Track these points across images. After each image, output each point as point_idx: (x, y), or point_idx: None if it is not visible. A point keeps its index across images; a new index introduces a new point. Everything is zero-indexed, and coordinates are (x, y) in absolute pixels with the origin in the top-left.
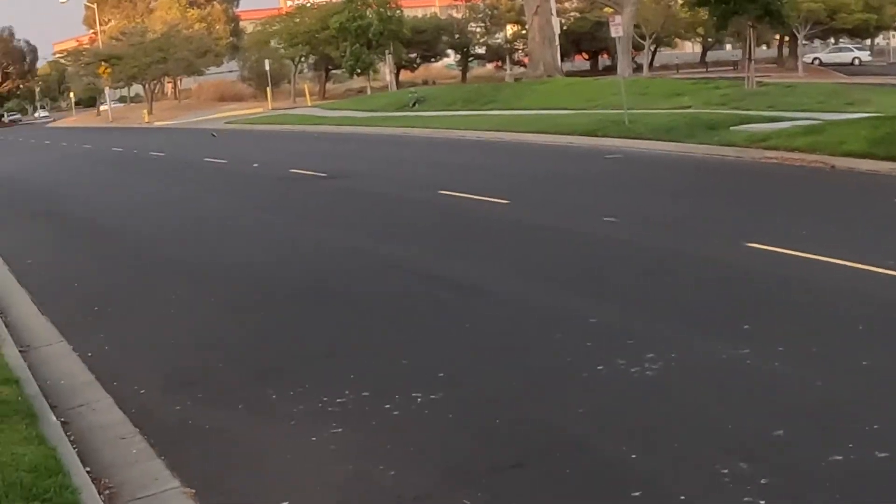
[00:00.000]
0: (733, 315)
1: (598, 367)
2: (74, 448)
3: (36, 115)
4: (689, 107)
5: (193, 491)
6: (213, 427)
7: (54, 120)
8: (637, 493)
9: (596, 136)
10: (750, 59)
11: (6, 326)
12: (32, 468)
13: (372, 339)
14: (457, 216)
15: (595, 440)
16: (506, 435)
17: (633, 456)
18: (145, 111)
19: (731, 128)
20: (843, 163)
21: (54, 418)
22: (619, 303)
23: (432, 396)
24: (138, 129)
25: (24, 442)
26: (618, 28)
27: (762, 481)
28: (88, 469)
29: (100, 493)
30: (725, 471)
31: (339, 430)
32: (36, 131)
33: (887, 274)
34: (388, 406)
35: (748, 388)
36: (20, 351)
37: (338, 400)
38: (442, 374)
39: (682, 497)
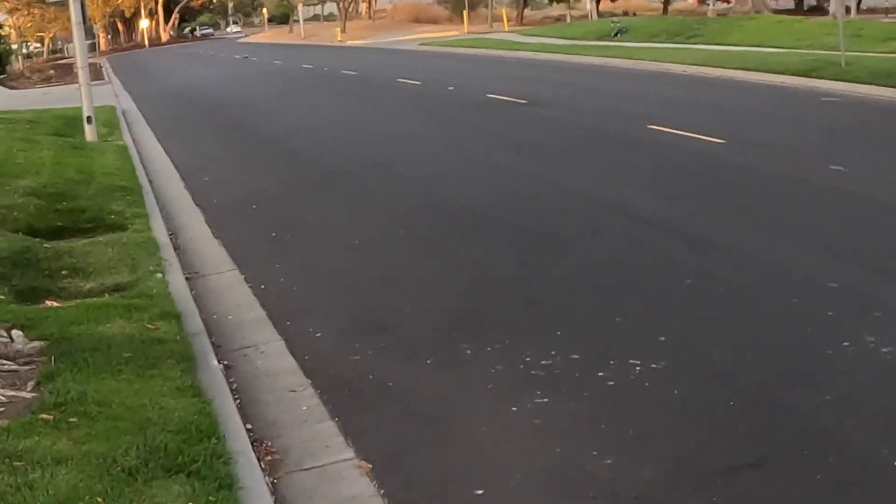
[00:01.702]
0: None
1: (844, 344)
2: (236, 400)
3: (228, 30)
4: None
5: (370, 466)
6: (396, 385)
7: (246, 35)
8: None
9: (809, 77)
10: None
11: (175, 249)
12: (181, 428)
13: (580, 289)
14: (671, 155)
15: (848, 436)
16: (741, 423)
17: None
18: (338, 30)
19: None
20: None
21: (215, 362)
22: (860, 267)
23: (653, 365)
24: (330, 48)
25: (177, 393)
26: None
27: None
28: (249, 426)
29: (259, 460)
30: None
31: (545, 399)
32: (228, 46)
33: None
34: (601, 374)
35: None
36: (186, 278)
37: (542, 362)
38: (663, 339)
39: None
